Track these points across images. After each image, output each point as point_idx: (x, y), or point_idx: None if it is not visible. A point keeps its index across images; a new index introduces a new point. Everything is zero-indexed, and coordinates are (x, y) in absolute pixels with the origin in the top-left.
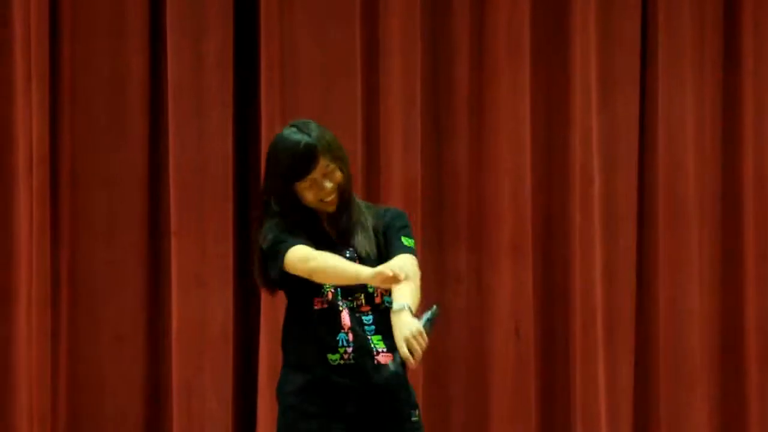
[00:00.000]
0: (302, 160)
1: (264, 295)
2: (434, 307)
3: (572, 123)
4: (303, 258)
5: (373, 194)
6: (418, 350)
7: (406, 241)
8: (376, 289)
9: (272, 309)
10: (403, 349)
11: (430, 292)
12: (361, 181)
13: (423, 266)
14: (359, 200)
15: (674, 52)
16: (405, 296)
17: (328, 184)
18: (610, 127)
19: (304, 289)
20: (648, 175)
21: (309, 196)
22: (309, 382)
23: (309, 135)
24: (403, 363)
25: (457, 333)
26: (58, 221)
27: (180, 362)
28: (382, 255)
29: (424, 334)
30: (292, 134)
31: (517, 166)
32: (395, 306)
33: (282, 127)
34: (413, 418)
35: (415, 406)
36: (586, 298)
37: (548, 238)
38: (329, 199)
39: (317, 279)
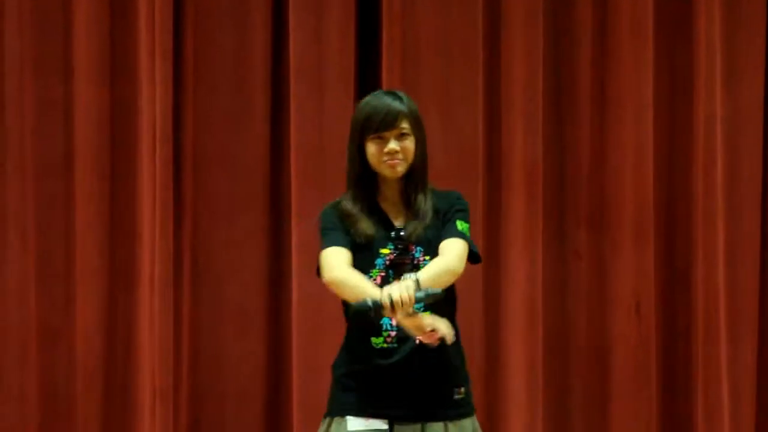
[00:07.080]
0: (382, 115)
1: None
2: (439, 290)
3: (696, 105)
4: (329, 266)
5: (494, 175)
6: (396, 298)
7: (460, 225)
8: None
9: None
10: (383, 293)
11: (552, 269)
12: (483, 163)
13: (544, 244)
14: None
15: None
16: (423, 271)
17: (395, 146)
18: (734, 109)
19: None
20: None
21: (372, 149)
22: (354, 365)
23: (399, 99)
24: (378, 308)
25: (576, 310)
26: (180, 200)
27: (300, 341)
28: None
29: (411, 294)
30: (381, 95)
31: (640, 147)
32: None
33: None
34: (455, 397)
35: (460, 384)
36: (709, 280)
37: (670, 219)
38: (392, 161)
39: (332, 288)
